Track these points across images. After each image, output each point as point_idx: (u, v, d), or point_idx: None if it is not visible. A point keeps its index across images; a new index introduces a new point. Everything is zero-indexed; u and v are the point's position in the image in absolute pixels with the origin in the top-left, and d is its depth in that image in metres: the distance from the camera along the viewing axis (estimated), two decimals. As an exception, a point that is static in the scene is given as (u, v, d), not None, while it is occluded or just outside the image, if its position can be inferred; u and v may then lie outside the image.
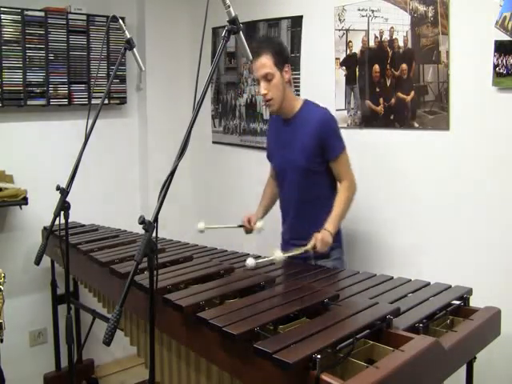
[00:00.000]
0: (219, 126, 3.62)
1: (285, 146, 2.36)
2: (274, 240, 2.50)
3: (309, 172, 2.29)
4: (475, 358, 1.67)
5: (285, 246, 2.42)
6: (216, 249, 2.54)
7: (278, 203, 2.54)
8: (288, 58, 2.33)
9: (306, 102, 2.35)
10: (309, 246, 2.16)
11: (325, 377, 1.26)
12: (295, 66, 2.91)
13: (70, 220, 2.06)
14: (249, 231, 2.51)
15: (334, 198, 2.29)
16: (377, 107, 2.52)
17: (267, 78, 2.22)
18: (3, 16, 3.01)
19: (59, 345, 3.20)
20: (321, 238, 2.15)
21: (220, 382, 1.57)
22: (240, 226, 2.53)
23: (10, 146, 3.18)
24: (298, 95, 2.85)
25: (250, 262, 2.08)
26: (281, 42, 2.48)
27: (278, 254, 2.10)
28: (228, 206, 3.54)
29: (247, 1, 3.15)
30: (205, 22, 1.59)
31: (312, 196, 2.32)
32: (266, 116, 3.17)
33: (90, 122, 2.06)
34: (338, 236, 2.36)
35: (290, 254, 2.16)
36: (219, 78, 3.57)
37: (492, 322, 1.69)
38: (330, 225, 2.21)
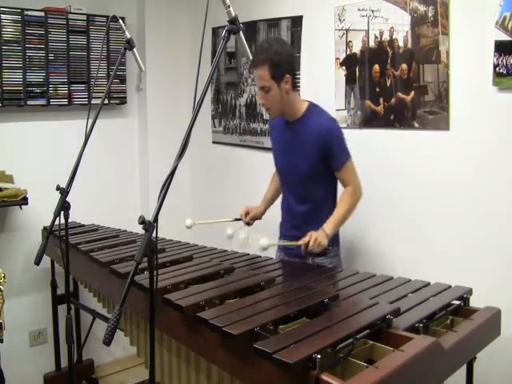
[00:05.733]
0: (219, 125, 3.62)
1: (287, 149, 2.36)
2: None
3: (311, 178, 2.30)
4: (475, 357, 1.67)
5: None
6: (216, 249, 2.54)
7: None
8: (289, 67, 2.22)
9: (311, 106, 2.32)
10: (301, 242, 2.16)
11: (325, 377, 1.26)
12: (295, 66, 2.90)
13: (70, 220, 2.06)
14: (248, 223, 2.53)
15: (333, 205, 2.30)
16: (377, 107, 2.52)
17: (264, 89, 2.21)
18: (3, 16, 3.01)
19: (59, 345, 3.20)
20: (315, 238, 2.14)
21: (220, 382, 1.57)
22: (237, 220, 2.55)
23: (9, 146, 3.18)
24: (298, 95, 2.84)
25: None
26: (283, 50, 2.19)
27: (264, 242, 2.13)
28: (228, 206, 3.53)
29: (247, 1, 3.15)
30: (205, 22, 1.59)
31: (310, 200, 2.33)
32: (266, 116, 3.17)
33: (90, 121, 2.06)
34: (336, 234, 2.36)
35: (278, 244, 2.18)
36: (219, 78, 3.57)
37: (492, 322, 1.69)
38: (328, 226, 2.20)
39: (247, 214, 2.53)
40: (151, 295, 1.40)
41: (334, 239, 2.36)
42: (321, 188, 2.33)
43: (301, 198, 2.36)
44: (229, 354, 1.49)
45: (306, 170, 2.29)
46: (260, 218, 2.59)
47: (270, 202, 2.63)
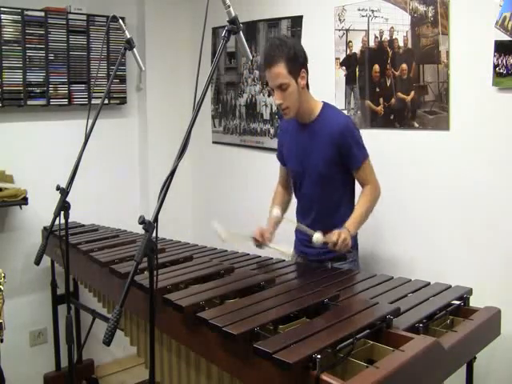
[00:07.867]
0: (219, 125, 3.62)
1: (303, 151, 2.27)
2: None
3: (328, 178, 2.23)
4: (475, 357, 1.67)
5: (298, 246, 2.39)
6: (216, 249, 2.54)
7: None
8: (304, 61, 2.15)
9: (326, 107, 2.25)
10: (331, 240, 2.02)
11: (325, 377, 1.26)
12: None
13: (70, 220, 2.06)
14: (259, 245, 2.34)
15: (351, 203, 2.24)
16: (377, 107, 2.52)
17: (282, 87, 2.10)
18: (3, 16, 3.00)
19: (59, 345, 3.20)
20: (344, 237, 2.03)
21: (220, 382, 1.57)
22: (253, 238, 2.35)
23: (10, 146, 3.18)
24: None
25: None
26: (295, 45, 2.17)
27: (317, 235, 2.03)
28: (228, 205, 3.54)
29: (247, 1, 3.15)
30: (205, 22, 1.59)
31: (330, 199, 2.25)
32: (266, 116, 3.17)
33: (90, 122, 2.06)
34: (354, 238, 2.28)
35: (321, 239, 2.05)
36: (219, 78, 3.57)
37: (492, 322, 1.69)
38: (351, 225, 2.11)
39: (262, 235, 2.33)
40: (151, 295, 1.40)
41: (354, 243, 2.27)
42: (338, 186, 2.25)
43: (318, 199, 2.27)
44: (229, 354, 1.49)
45: (324, 171, 2.21)
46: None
47: (279, 222, 2.42)
